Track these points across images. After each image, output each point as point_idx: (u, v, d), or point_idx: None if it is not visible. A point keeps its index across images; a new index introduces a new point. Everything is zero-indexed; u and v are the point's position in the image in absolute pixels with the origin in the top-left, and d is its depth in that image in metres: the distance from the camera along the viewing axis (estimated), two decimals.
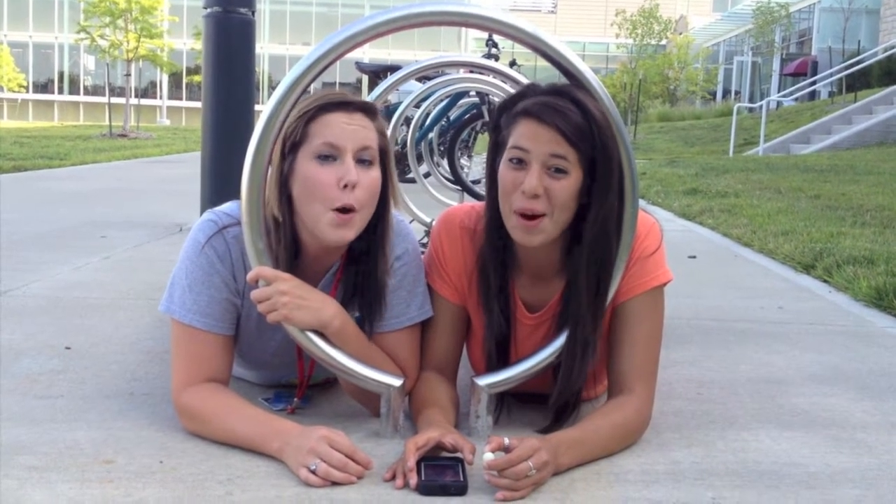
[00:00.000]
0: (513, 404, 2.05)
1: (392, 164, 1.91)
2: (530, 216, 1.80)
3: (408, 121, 5.87)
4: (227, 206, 1.96)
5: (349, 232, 1.81)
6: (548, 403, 1.97)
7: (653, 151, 19.87)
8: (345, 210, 1.79)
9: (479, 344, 2.03)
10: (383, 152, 1.87)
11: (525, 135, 1.79)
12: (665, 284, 1.98)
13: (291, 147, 1.80)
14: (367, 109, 1.85)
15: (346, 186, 1.77)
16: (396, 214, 2.01)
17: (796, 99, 25.14)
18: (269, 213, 1.84)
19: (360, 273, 1.94)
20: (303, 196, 1.80)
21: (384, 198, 1.89)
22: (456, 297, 2.03)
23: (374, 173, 1.84)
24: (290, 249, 1.85)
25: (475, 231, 1.98)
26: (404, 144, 6.29)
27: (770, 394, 2.38)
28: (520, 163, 1.80)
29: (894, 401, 2.35)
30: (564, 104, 1.77)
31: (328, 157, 1.78)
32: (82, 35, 26.31)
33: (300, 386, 2.08)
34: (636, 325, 1.94)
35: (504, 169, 1.83)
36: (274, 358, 2.07)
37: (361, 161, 1.81)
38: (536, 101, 1.79)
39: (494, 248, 1.93)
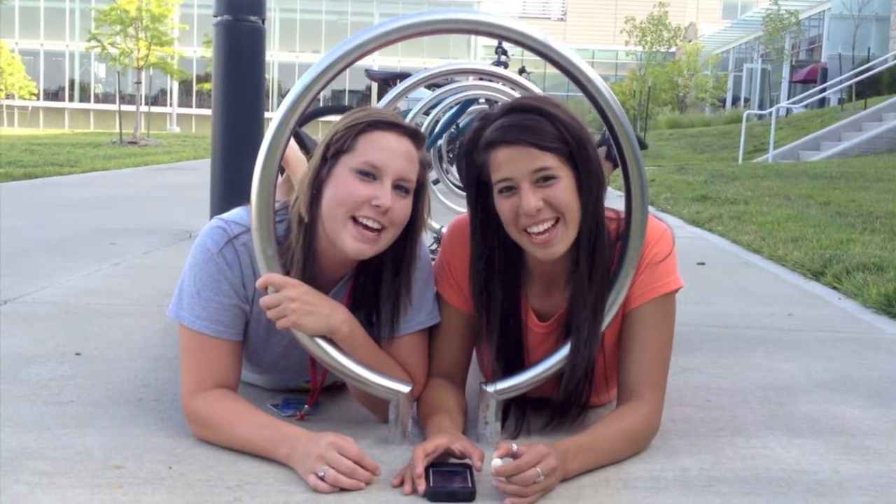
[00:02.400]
0: (530, 414, 2.04)
1: (427, 195, 1.93)
2: (543, 232, 1.82)
3: None
4: (234, 213, 1.96)
5: (369, 248, 1.83)
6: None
7: (662, 158, 19.84)
8: (368, 228, 1.81)
9: (489, 350, 2.03)
10: (420, 184, 1.89)
11: (502, 163, 1.81)
12: (675, 291, 1.98)
13: (335, 153, 1.82)
14: (416, 136, 1.87)
15: (377, 207, 1.79)
16: None
17: (806, 106, 25.10)
18: (295, 213, 1.86)
19: (372, 284, 1.94)
20: (333, 202, 1.81)
21: (413, 224, 1.90)
22: (465, 306, 2.04)
23: (407, 202, 1.85)
24: (307, 251, 1.86)
25: None
26: None
27: (779, 401, 2.37)
28: (510, 189, 1.83)
29: None
30: (524, 118, 1.81)
31: (368, 174, 1.80)
32: (93, 43, 26.45)
33: (312, 393, 2.08)
34: (646, 332, 1.94)
35: (499, 201, 1.86)
36: (281, 362, 2.08)
37: (398, 187, 1.83)
38: (497, 127, 1.82)
39: (495, 268, 1.95)
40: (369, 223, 1.81)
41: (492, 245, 1.94)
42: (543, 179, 1.80)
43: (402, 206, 1.84)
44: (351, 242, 1.81)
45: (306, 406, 2.08)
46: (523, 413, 2.02)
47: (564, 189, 1.81)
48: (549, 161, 1.79)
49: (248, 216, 1.91)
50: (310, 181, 1.85)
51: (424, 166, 1.89)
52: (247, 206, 1.95)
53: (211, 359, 1.90)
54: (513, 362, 1.99)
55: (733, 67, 42.82)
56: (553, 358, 1.92)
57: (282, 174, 2.00)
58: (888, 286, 3.76)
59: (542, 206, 1.80)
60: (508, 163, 1.80)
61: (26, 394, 2.21)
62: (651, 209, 1.95)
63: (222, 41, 4.12)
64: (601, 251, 1.89)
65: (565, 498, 1.67)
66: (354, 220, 1.81)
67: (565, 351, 1.91)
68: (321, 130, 2.02)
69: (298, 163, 2.94)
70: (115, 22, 25.38)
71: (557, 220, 1.82)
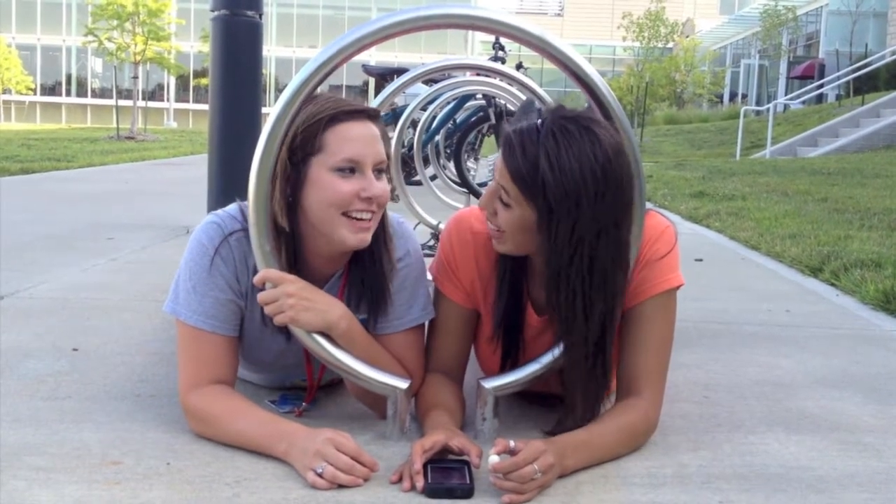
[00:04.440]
0: (521, 405, 2.04)
1: (391, 167, 1.92)
2: (492, 229, 1.85)
3: (414, 123, 5.86)
4: (229, 209, 1.96)
5: (367, 235, 1.84)
6: (554, 403, 1.97)
7: (659, 154, 19.85)
8: (361, 219, 1.81)
9: (488, 346, 2.02)
10: (388, 155, 1.89)
11: (499, 158, 1.82)
12: (676, 289, 1.97)
13: (303, 157, 1.80)
14: (374, 116, 1.87)
15: (367, 199, 1.79)
16: (396, 217, 2.02)
17: (803, 102, 25.11)
18: (270, 222, 1.84)
19: (365, 276, 1.94)
20: (321, 205, 1.80)
21: None
22: (467, 301, 2.03)
23: (385, 181, 1.86)
24: (291, 258, 1.86)
25: (488, 235, 1.98)
26: (411, 147, 6.30)
27: (777, 397, 2.37)
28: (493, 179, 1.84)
29: None
30: (524, 143, 1.74)
31: (348, 169, 1.80)
32: (90, 38, 26.46)
33: (309, 391, 2.08)
34: (645, 329, 1.93)
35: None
36: (277, 360, 2.07)
37: (376, 171, 1.83)
38: (509, 130, 1.79)
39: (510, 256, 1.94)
40: (362, 215, 1.81)
41: None
42: (499, 198, 1.80)
43: (385, 187, 1.85)
44: (350, 236, 1.82)
45: (304, 404, 2.07)
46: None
47: (509, 219, 1.79)
48: (511, 190, 1.76)
49: (241, 212, 1.92)
50: (281, 190, 1.81)
51: (388, 139, 1.90)
52: (240, 202, 1.95)
53: (208, 354, 1.90)
54: (510, 356, 1.99)
55: (731, 63, 42.85)
56: (550, 354, 1.91)
57: None
58: (886, 282, 3.76)
59: (490, 211, 1.83)
60: (498, 162, 1.81)
61: (23, 389, 2.21)
62: (650, 205, 1.95)
63: (219, 36, 4.10)
64: (574, 303, 1.77)
65: (563, 494, 1.67)
66: (346, 215, 1.81)
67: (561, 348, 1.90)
68: None
69: None
70: (112, 16, 25.37)
71: (503, 231, 1.83)
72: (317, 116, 1.80)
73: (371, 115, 1.86)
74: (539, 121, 1.76)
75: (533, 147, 1.72)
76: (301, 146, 1.80)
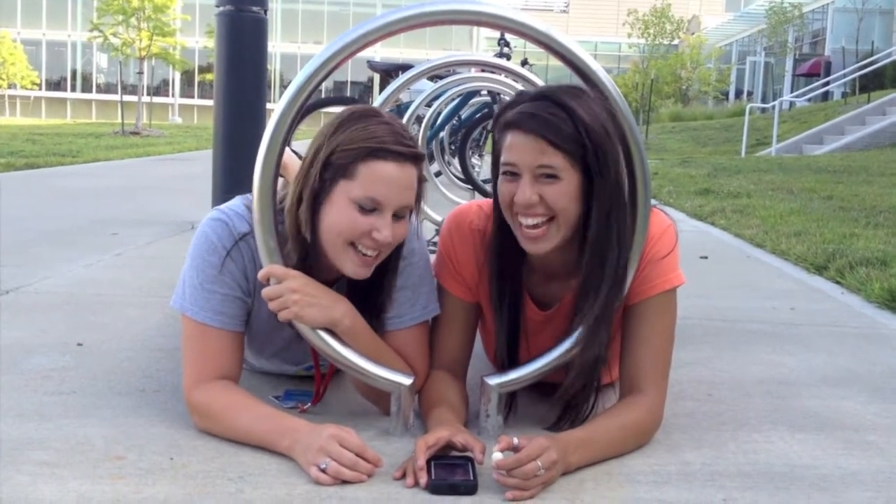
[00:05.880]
0: (525, 402, 2.04)
1: (421, 202, 1.89)
2: (533, 226, 1.80)
3: (419, 120, 5.86)
4: (234, 204, 1.95)
5: (367, 271, 1.83)
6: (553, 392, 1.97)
7: (665, 151, 19.82)
8: (367, 254, 1.81)
9: (490, 341, 2.02)
10: (417, 197, 1.85)
11: (512, 147, 1.79)
12: (676, 288, 1.97)
13: (333, 176, 1.77)
14: (416, 158, 1.82)
15: (376, 240, 1.78)
16: None
17: (809, 99, 25.07)
18: (292, 225, 1.83)
19: (371, 282, 1.94)
20: (332, 229, 1.79)
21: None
22: (469, 296, 2.03)
23: (404, 224, 1.84)
24: (303, 264, 1.85)
25: (486, 231, 1.98)
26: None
27: (781, 395, 2.37)
28: (513, 175, 1.80)
29: None
30: (547, 110, 1.76)
31: (370, 207, 1.77)
32: (95, 33, 26.50)
33: (316, 395, 2.07)
34: (647, 327, 1.94)
35: (501, 182, 1.84)
36: (282, 354, 2.08)
37: (397, 216, 1.81)
38: (519, 111, 1.78)
39: (503, 252, 1.93)
40: (367, 252, 1.80)
41: (502, 225, 1.91)
42: (545, 176, 1.77)
43: (400, 231, 1.83)
44: (350, 267, 1.81)
45: (309, 403, 2.07)
46: (513, 396, 2.01)
47: (563, 192, 1.77)
48: (556, 160, 1.75)
49: (244, 206, 1.92)
50: (308, 201, 1.80)
51: (423, 180, 1.86)
52: (244, 198, 1.94)
53: (213, 349, 1.90)
54: (512, 350, 1.99)
55: (736, 60, 42.76)
56: (558, 349, 1.91)
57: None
58: (891, 281, 3.76)
59: (536, 200, 1.78)
60: (518, 149, 1.78)
61: (28, 384, 2.21)
62: (652, 202, 1.94)
63: (224, 31, 4.12)
64: (610, 257, 1.83)
65: (567, 491, 1.67)
66: (353, 245, 1.80)
67: (567, 344, 1.90)
68: (323, 121, 1.99)
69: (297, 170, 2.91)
70: (118, 12, 25.40)
71: (551, 219, 1.80)
72: (359, 144, 1.76)
73: (413, 158, 1.80)
74: (533, 101, 1.79)
75: (558, 108, 1.75)
76: (335, 165, 1.77)
